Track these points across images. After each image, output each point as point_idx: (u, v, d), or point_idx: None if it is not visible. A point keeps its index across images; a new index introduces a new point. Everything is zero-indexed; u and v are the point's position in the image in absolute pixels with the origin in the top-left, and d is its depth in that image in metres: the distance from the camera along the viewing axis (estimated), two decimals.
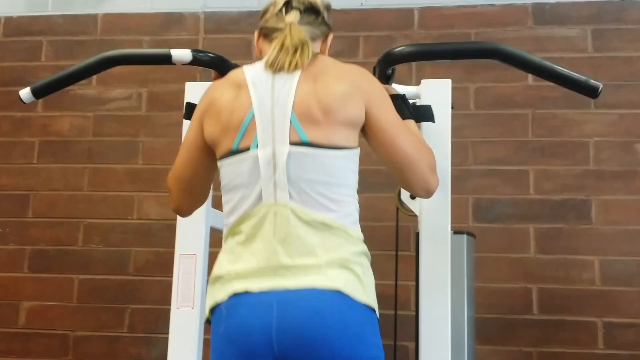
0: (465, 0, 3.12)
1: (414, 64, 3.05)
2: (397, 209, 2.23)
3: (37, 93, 1.88)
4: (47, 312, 3.13)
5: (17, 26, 3.42)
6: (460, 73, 3.02)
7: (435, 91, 1.99)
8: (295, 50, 1.46)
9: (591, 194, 2.90)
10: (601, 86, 1.66)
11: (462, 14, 3.12)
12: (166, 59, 1.83)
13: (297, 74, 1.46)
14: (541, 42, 3.04)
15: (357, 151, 1.50)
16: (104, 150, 3.25)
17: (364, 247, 1.47)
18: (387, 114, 1.50)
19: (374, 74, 1.87)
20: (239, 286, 1.39)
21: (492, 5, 3.11)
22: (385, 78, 1.86)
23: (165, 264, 2.99)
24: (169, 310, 1.95)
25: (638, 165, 2.91)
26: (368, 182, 3.01)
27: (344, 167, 1.46)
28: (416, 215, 1.92)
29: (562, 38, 3.04)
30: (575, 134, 2.96)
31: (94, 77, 3.27)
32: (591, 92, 1.67)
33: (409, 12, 3.15)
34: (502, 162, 2.98)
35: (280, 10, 1.55)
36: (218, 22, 3.29)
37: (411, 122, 1.74)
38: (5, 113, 3.33)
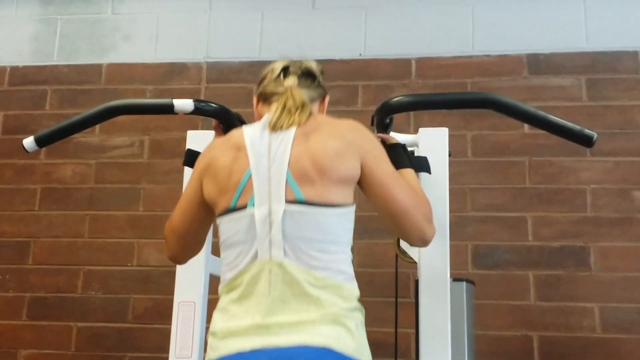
0: (462, 51, 3.19)
1: (411, 112, 3.10)
2: (397, 255, 2.23)
3: (41, 142, 1.91)
4: None
5: (23, 75, 3.48)
6: (458, 121, 3.07)
7: (432, 139, 2.03)
8: (296, 110, 1.53)
9: (589, 240, 2.91)
10: (595, 135, 1.70)
11: (459, 64, 3.18)
12: (169, 109, 1.87)
13: (292, 131, 1.50)
14: (536, 92, 3.09)
15: (353, 208, 1.51)
16: (105, 197, 3.27)
17: (358, 304, 1.47)
18: (383, 167, 1.52)
19: (372, 123, 1.91)
20: (232, 346, 1.38)
21: (488, 55, 3.17)
22: (384, 127, 1.90)
23: (164, 311, 2.98)
24: (167, 359, 1.94)
25: (635, 212, 2.93)
26: (367, 228, 3.03)
27: (339, 224, 1.47)
28: (415, 262, 1.93)
29: (557, 87, 3.10)
30: (572, 181, 2.99)
31: (97, 125, 3.32)
32: (586, 141, 1.70)
33: (406, 62, 3.22)
34: (501, 208, 3.00)
35: (279, 76, 1.62)
36: (220, 71, 3.36)
37: (410, 172, 1.76)
38: (8, 160, 3.37)
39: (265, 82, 1.64)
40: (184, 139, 2.10)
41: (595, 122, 2.98)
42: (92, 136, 3.34)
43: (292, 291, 1.39)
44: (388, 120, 1.89)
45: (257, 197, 1.44)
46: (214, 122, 1.93)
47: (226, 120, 1.91)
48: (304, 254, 1.42)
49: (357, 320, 1.43)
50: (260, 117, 1.64)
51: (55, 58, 3.48)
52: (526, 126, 3.05)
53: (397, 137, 2.06)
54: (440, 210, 1.97)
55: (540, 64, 3.13)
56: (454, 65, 3.18)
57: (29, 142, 1.91)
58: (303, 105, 1.54)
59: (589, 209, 2.95)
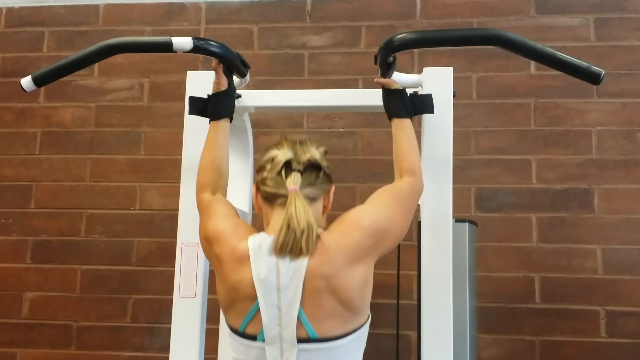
0: None
1: (416, 53, 3.05)
2: None
3: (39, 81, 1.86)
4: (50, 302, 3.13)
5: (19, 17, 3.41)
6: (463, 62, 3.01)
7: (437, 79, 1.99)
8: (302, 234, 1.41)
9: (593, 182, 2.90)
10: (603, 72, 1.66)
11: (465, 3, 3.10)
12: (167, 47, 1.81)
13: (303, 264, 1.41)
14: (543, 32, 3.03)
15: (367, 324, 1.49)
16: (106, 140, 3.25)
17: None
18: (395, 235, 1.55)
19: (375, 62, 1.86)
20: None
21: None
22: (387, 66, 1.85)
23: (167, 254, 3.00)
24: (171, 300, 1.95)
25: None
26: (370, 172, 3.01)
27: (354, 348, 1.46)
28: (418, 205, 1.92)
29: (564, 27, 3.03)
30: (578, 123, 2.95)
31: (96, 67, 3.27)
32: (593, 78, 1.66)
33: (411, 1, 3.14)
34: (505, 151, 2.97)
35: (280, 172, 1.51)
36: (219, 12, 3.28)
37: (406, 122, 1.76)
38: (7, 104, 3.33)
39: (265, 174, 1.53)
40: (184, 82, 2.06)
41: (603, 62, 2.92)
42: (91, 79, 3.30)
43: None
44: (391, 59, 1.84)
45: (267, 334, 1.41)
46: (214, 61, 1.88)
47: (226, 59, 1.86)
48: None
49: None
50: (259, 209, 1.57)
51: None
52: (532, 67, 2.99)
53: (400, 77, 2.02)
54: (444, 152, 1.95)
55: (547, 2, 3.05)
56: (460, 4, 3.10)
57: (27, 81, 1.87)
58: (308, 228, 1.42)
59: (594, 151, 2.92)
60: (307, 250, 1.41)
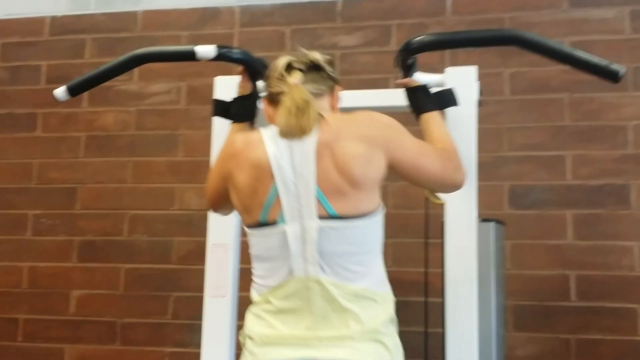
0: None
1: (447, 50, 3.04)
2: (426, 197, 2.23)
3: (72, 91, 1.96)
4: (95, 300, 3.26)
5: (62, 25, 3.55)
6: (494, 58, 2.99)
7: (460, 79, 1.98)
8: (299, 111, 1.45)
9: (630, 178, 2.84)
10: (622, 71, 1.63)
11: None
12: (191, 56, 1.88)
13: (312, 142, 1.45)
14: (577, 25, 2.97)
15: (383, 212, 1.51)
16: (146, 143, 3.35)
17: (392, 312, 1.49)
18: (408, 150, 1.51)
19: (396, 65, 1.88)
20: (272, 355, 1.42)
21: None
22: (407, 68, 1.87)
23: (205, 253, 3.07)
24: None
25: None
26: None
27: (372, 233, 1.48)
28: (442, 204, 1.93)
29: (598, 20, 2.97)
30: (613, 118, 2.89)
31: (136, 73, 3.38)
32: (612, 76, 1.63)
33: None
34: (538, 147, 2.94)
35: (282, 72, 1.54)
36: (252, 15, 3.34)
37: (434, 115, 1.75)
38: (52, 110, 3.46)
39: (270, 81, 1.58)
40: None
41: (639, 55, 2.85)
42: (131, 84, 3.40)
43: (332, 307, 1.41)
44: (411, 61, 1.86)
45: (287, 213, 1.44)
46: (240, 67, 1.93)
47: (250, 66, 1.91)
48: (341, 268, 1.43)
49: (394, 336, 1.46)
50: (268, 117, 1.60)
51: (92, 6, 3.52)
52: None
53: (422, 77, 2.03)
54: (468, 151, 1.95)
55: None
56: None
57: (61, 91, 1.97)
58: (306, 104, 1.46)
59: (630, 146, 2.86)
60: (309, 127, 1.45)
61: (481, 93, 2.12)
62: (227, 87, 2.11)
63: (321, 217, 1.42)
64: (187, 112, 3.34)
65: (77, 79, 1.97)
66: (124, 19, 3.48)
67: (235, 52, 1.90)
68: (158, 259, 3.24)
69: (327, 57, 1.62)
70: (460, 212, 1.90)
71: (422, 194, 2.71)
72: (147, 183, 3.32)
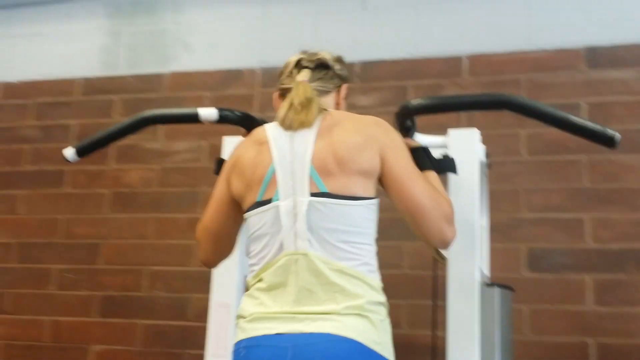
0: (516, 46, 3.09)
1: None
2: (434, 257, 2.21)
3: (81, 152, 2.03)
4: (113, 355, 3.28)
5: (92, 86, 3.70)
6: (511, 119, 2.94)
7: (462, 141, 1.99)
8: (302, 107, 1.55)
9: None
10: (617, 136, 1.61)
11: (512, 60, 3.08)
12: (194, 118, 1.94)
13: (314, 130, 1.54)
14: (595, 86, 2.95)
15: (376, 202, 1.55)
16: (168, 200, 3.42)
17: (382, 297, 1.50)
18: (402, 163, 1.54)
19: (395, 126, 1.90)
20: (259, 327, 1.46)
21: (544, 50, 3.05)
22: (405, 130, 1.89)
23: None
24: None
25: None
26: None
27: (362, 216, 1.51)
28: (444, 262, 1.92)
29: (617, 81, 2.94)
30: (633, 180, 2.82)
31: (161, 131, 3.48)
32: (608, 142, 1.62)
33: (457, 60, 3.15)
34: (557, 209, 2.88)
35: (292, 70, 1.66)
36: (274, 76, 3.40)
37: (432, 174, 1.75)
38: (82, 167, 3.57)
39: (282, 76, 1.70)
40: None
41: None
42: (156, 142, 3.50)
43: (319, 281, 1.44)
44: (410, 123, 1.87)
45: (281, 190, 1.50)
46: (243, 130, 1.99)
47: (250, 127, 1.96)
48: (329, 245, 1.46)
49: (381, 315, 1.47)
50: (277, 110, 1.68)
51: (122, 69, 3.67)
52: None
53: (424, 139, 2.04)
54: (470, 214, 1.94)
55: (599, 56, 2.97)
56: (508, 61, 3.08)
57: (70, 153, 2.04)
58: (309, 101, 1.56)
59: None
60: (308, 122, 1.53)
61: (489, 155, 2.12)
62: (234, 146, 2.16)
63: (313, 194, 1.47)
64: (208, 170, 3.39)
65: (85, 140, 2.04)
66: (152, 80, 3.60)
67: (237, 114, 1.95)
68: (175, 315, 3.26)
69: (336, 55, 1.72)
70: (462, 275, 1.88)
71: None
72: (168, 239, 3.37)
